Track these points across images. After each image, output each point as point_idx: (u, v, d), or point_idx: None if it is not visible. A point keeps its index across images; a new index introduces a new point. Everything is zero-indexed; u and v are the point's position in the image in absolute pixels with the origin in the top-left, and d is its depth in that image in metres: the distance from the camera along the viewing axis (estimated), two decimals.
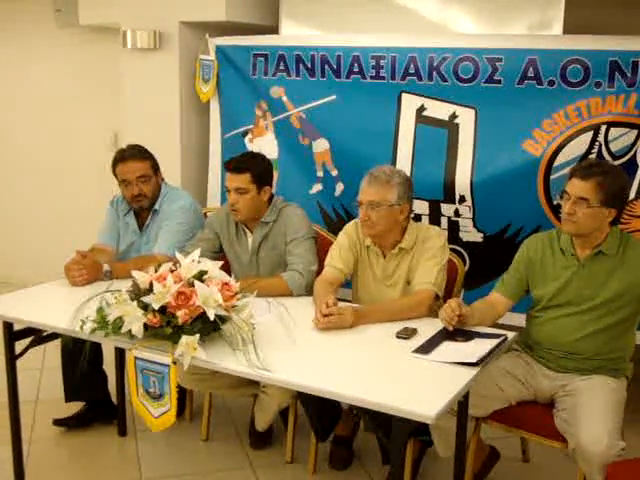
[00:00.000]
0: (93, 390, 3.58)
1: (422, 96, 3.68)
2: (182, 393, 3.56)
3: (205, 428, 3.52)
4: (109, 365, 3.60)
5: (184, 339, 2.29)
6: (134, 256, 3.47)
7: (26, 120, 5.68)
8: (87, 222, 4.56)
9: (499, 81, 3.49)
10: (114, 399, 3.63)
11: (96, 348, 3.46)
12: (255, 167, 3.19)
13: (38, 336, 2.90)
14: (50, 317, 2.71)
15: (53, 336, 2.92)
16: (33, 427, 3.60)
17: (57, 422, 3.58)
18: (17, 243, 5.89)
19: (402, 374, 2.32)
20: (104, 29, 4.93)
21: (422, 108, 3.70)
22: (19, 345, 2.93)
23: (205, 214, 3.68)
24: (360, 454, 3.37)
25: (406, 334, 2.59)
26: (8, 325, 2.86)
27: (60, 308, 2.70)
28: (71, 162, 5.52)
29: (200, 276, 2.42)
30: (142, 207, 3.44)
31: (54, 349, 3.46)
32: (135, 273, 2.44)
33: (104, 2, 4.57)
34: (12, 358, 2.91)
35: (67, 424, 3.59)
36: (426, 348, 2.46)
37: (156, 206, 3.45)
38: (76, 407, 3.63)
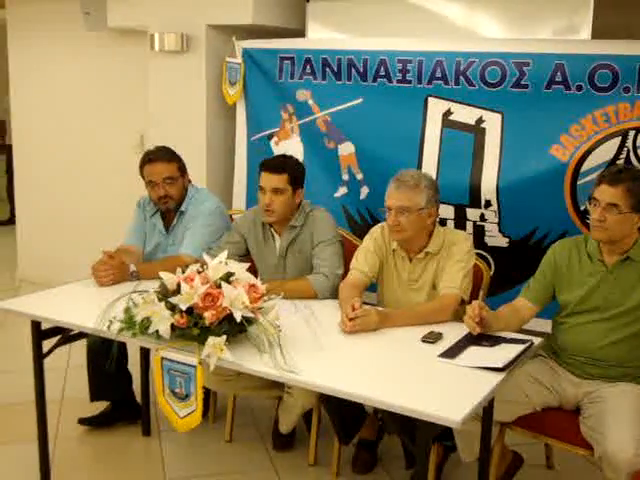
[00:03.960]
0: (118, 390, 3.60)
1: (448, 100, 3.69)
2: (206, 394, 3.55)
3: (228, 429, 3.53)
4: (134, 365, 3.62)
5: (211, 340, 2.30)
6: (160, 257, 3.49)
7: (53, 121, 5.74)
8: (113, 223, 4.60)
9: (526, 86, 3.48)
10: (138, 399, 3.65)
11: (121, 348, 3.48)
12: (292, 168, 3.22)
13: (65, 335, 2.93)
14: (77, 317, 2.73)
15: (80, 335, 2.96)
16: (58, 425, 3.63)
17: (82, 421, 3.61)
18: (44, 244, 5.95)
19: (428, 378, 2.31)
20: (132, 32, 4.97)
21: (448, 112, 3.70)
22: (46, 344, 2.96)
23: (230, 216, 3.69)
24: (384, 458, 3.36)
25: (432, 338, 2.58)
26: (36, 324, 2.90)
27: (87, 308, 2.73)
28: (98, 164, 5.56)
29: (227, 278, 2.44)
30: (168, 208, 3.46)
31: (79, 348, 3.49)
32: (163, 274, 2.46)
33: (132, 5, 4.62)
34: (39, 356, 2.94)
35: (92, 423, 3.61)
36: (452, 352, 2.45)
37: (182, 207, 3.47)
38: (101, 406, 3.65)
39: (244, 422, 3.69)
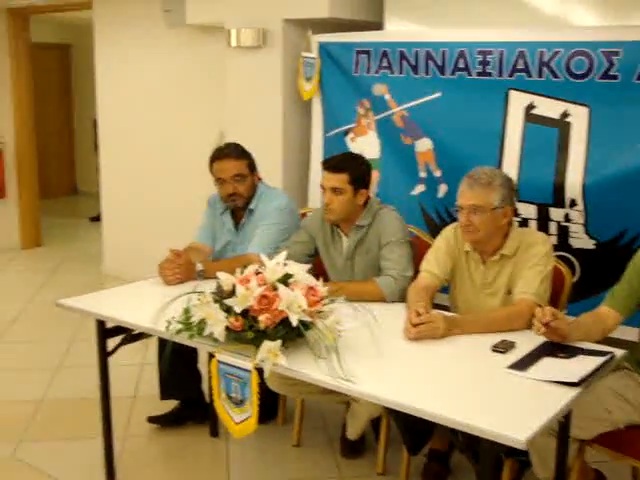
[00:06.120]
0: (187, 389, 3.57)
1: (531, 93, 3.48)
2: (275, 397, 3.51)
3: (296, 433, 3.45)
4: (204, 365, 3.57)
5: (266, 344, 2.21)
6: (230, 255, 3.44)
7: (137, 119, 5.81)
8: (194, 219, 4.57)
9: (615, 77, 3.23)
10: (208, 399, 3.60)
11: (192, 347, 3.43)
12: (354, 168, 3.09)
13: (129, 334, 2.91)
14: (139, 316, 2.71)
15: (143, 334, 2.92)
16: (129, 423, 3.64)
17: (151, 419, 3.60)
18: (127, 239, 6.03)
19: (495, 391, 2.16)
20: (210, 28, 4.96)
21: (531, 106, 3.49)
22: (113, 342, 2.95)
23: (305, 214, 3.61)
24: (456, 470, 3.19)
25: (503, 348, 2.41)
26: (101, 322, 2.89)
27: (150, 307, 2.67)
28: (178, 160, 5.59)
29: (285, 279, 2.34)
30: (237, 206, 3.40)
31: (155, 345, 3.48)
32: (220, 274, 2.39)
33: (210, 2, 4.61)
34: (104, 355, 2.94)
35: (161, 422, 3.60)
36: (523, 364, 2.28)
37: (252, 205, 3.40)
38: (172, 405, 3.63)
39: (313, 425, 3.60)
